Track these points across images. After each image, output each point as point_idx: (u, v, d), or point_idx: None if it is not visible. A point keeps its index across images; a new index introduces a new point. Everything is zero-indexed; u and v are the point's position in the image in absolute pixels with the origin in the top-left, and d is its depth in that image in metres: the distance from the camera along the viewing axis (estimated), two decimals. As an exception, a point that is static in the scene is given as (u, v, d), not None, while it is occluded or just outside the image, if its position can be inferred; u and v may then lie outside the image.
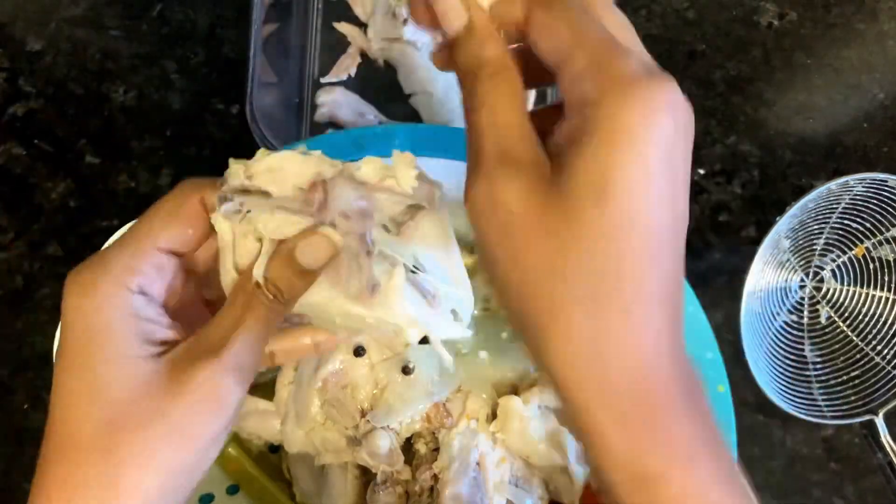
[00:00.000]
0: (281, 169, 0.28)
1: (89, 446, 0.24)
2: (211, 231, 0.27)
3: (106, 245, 0.27)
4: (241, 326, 0.25)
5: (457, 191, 0.42)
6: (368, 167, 0.28)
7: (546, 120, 0.24)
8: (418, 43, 0.56)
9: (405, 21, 0.55)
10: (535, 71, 0.25)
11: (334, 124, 0.57)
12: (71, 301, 0.25)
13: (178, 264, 0.27)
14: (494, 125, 0.23)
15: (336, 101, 0.57)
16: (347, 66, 0.59)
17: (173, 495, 0.24)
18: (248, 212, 0.27)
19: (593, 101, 0.21)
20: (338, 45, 0.59)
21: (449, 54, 0.26)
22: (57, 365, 0.25)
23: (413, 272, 0.28)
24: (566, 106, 0.23)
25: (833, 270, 0.56)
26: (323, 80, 0.58)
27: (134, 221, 0.27)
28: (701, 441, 0.22)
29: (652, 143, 0.21)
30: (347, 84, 0.59)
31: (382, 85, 0.58)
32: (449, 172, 0.40)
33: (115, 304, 0.25)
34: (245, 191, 0.27)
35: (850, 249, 0.55)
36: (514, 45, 0.25)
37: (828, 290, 0.56)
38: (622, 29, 0.24)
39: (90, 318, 0.25)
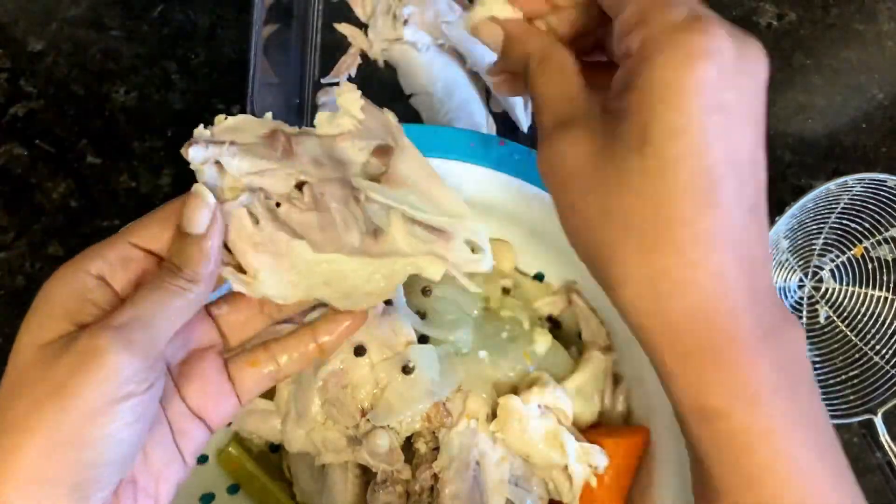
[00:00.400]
0: (241, 128, 0.28)
1: None
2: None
3: None
4: (134, 298, 0.25)
5: (462, 192, 0.42)
6: (320, 118, 0.29)
7: (607, 73, 0.25)
8: (419, 44, 0.56)
9: (405, 22, 0.55)
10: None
11: (334, 125, 0.58)
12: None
13: (155, 263, 0.27)
14: (548, 99, 0.26)
15: (336, 102, 0.57)
16: (348, 66, 0.59)
17: (57, 466, 0.23)
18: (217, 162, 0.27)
19: (636, 52, 0.22)
20: (338, 46, 0.60)
21: (509, 76, 0.29)
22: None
23: (412, 214, 0.28)
24: (617, 57, 0.24)
25: (832, 270, 0.56)
26: (323, 81, 0.58)
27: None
28: (771, 382, 0.22)
29: (688, 90, 0.21)
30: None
31: (382, 85, 0.58)
32: (450, 173, 0.40)
33: (65, 281, 0.26)
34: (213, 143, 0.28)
35: (849, 249, 0.55)
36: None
37: (827, 289, 0.56)
38: None
39: (43, 290, 0.26)
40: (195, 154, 0.27)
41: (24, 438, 0.23)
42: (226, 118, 0.28)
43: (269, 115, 0.29)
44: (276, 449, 0.45)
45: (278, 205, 0.28)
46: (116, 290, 0.26)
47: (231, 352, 0.31)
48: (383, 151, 0.29)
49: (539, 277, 0.46)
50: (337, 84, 0.58)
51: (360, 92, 0.30)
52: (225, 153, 0.27)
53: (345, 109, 0.29)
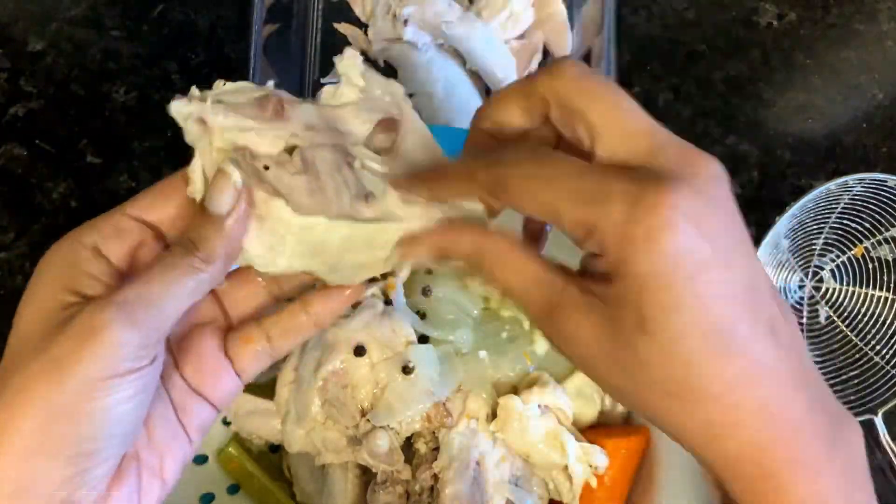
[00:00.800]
0: (238, 91, 0.28)
1: None
2: (191, 209, 0.27)
3: None
4: (145, 273, 0.25)
5: None
6: (325, 92, 0.28)
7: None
8: (419, 43, 0.56)
9: (405, 22, 0.55)
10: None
11: (334, 124, 0.58)
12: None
13: (151, 235, 0.27)
14: (518, 291, 0.25)
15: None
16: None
17: (54, 439, 0.23)
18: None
19: (602, 231, 0.22)
20: (338, 46, 0.60)
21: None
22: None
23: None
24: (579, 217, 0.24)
25: (832, 270, 0.56)
26: (323, 81, 0.58)
27: None
28: (832, 494, 0.23)
29: (665, 271, 0.22)
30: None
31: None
32: None
33: (62, 253, 0.26)
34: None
35: (850, 249, 0.55)
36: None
37: (827, 289, 0.56)
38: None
39: (40, 265, 0.26)
40: (177, 108, 0.26)
41: (21, 410, 0.23)
42: (224, 83, 0.28)
43: (270, 83, 0.28)
44: (276, 449, 0.45)
45: (267, 168, 0.27)
46: (111, 261, 0.26)
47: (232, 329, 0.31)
48: (389, 124, 0.28)
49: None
50: (337, 83, 0.58)
51: (361, 57, 0.29)
52: (208, 109, 0.26)
53: (346, 78, 0.29)
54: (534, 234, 0.31)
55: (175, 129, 0.26)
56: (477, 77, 0.58)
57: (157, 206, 0.27)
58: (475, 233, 0.27)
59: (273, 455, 0.45)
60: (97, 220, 0.27)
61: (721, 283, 0.22)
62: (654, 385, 0.23)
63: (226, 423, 0.44)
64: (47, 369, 0.23)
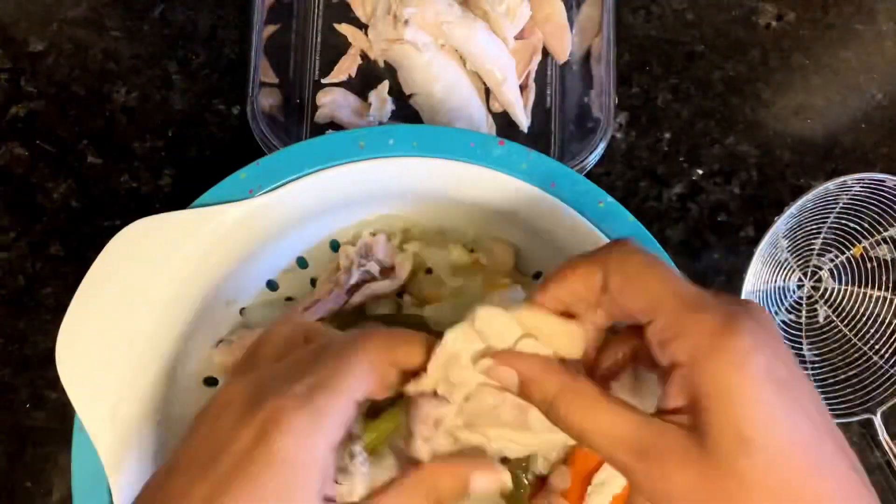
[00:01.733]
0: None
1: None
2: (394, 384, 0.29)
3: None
4: None
5: (455, 191, 0.42)
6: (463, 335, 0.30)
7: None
8: (419, 44, 0.56)
9: (406, 22, 0.55)
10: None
11: (334, 125, 0.58)
12: (287, 441, 0.24)
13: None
14: (608, 436, 0.26)
15: (336, 102, 0.57)
16: (347, 67, 0.59)
17: None
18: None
19: (686, 366, 0.24)
20: (338, 47, 0.60)
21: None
22: (235, 484, 0.24)
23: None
24: (662, 362, 0.25)
25: (831, 270, 0.56)
26: (324, 81, 0.59)
27: (320, 364, 0.27)
28: None
29: (757, 386, 0.23)
30: (348, 84, 0.59)
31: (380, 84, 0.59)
32: (450, 173, 0.40)
33: (316, 457, 0.25)
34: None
35: (848, 249, 0.56)
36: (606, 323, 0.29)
37: (826, 289, 0.56)
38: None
39: (296, 464, 0.25)
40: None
41: None
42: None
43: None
44: None
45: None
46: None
47: None
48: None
49: (538, 277, 0.46)
50: (339, 85, 0.58)
51: (504, 314, 0.30)
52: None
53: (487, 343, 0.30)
54: (605, 379, 0.31)
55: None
56: (477, 77, 0.58)
57: (374, 392, 0.28)
58: (561, 373, 0.28)
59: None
60: (340, 418, 0.26)
61: (803, 400, 0.24)
62: None
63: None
64: None
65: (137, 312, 0.38)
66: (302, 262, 0.46)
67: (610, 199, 0.39)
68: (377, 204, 0.45)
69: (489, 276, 0.44)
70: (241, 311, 0.45)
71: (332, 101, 0.57)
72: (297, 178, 0.40)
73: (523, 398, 0.29)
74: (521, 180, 0.40)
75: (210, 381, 0.43)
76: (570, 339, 0.29)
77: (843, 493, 0.24)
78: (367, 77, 0.59)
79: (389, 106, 0.58)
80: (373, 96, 0.58)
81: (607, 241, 0.39)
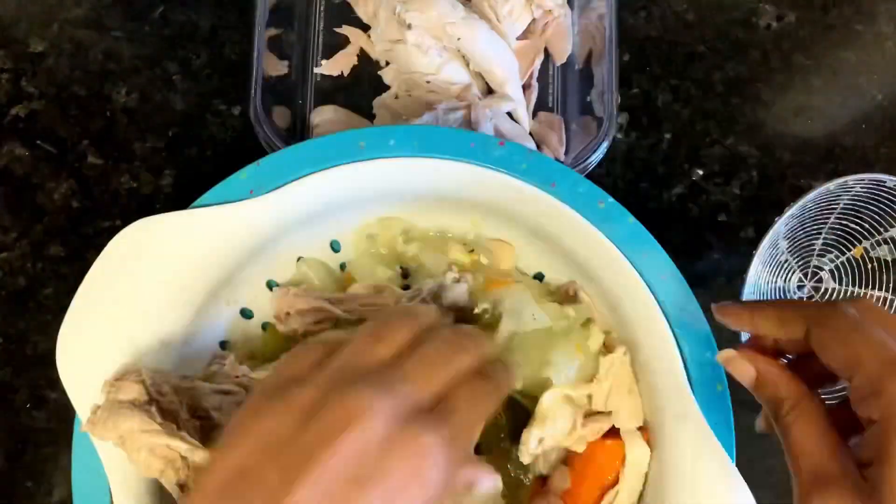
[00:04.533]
0: None
1: None
2: None
3: None
4: None
5: (455, 191, 0.42)
6: None
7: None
8: (422, 45, 0.56)
9: (409, 26, 0.55)
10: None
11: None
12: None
13: None
14: (805, 452, 0.28)
15: (330, 121, 0.57)
16: (342, 64, 0.59)
17: None
18: None
19: (879, 425, 0.26)
20: (340, 47, 0.60)
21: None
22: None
23: None
24: (860, 416, 0.27)
25: (831, 271, 0.56)
26: (317, 71, 0.59)
27: None
28: None
29: None
30: (353, 86, 0.59)
31: (385, 86, 0.59)
32: (450, 173, 0.40)
33: None
34: None
35: (849, 250, 0.56)
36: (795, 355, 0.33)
37: (826, 290, 0.56)
38: None
39: None
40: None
41: None
42: None
43: None
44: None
45: None
46: None
47: None
48: None
49: (539, 277, 0.46)
50: (339, 77, 0.58)
51: None
52: None
53: None
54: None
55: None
56: (480, 78, 0.58)
57: None
58: (798, 384, 0.31)
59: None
60: None
61: None
62: None
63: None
64: None
65: (137, 313, 0.38)
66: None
67: (610, 199, 0.39)
68: (377, 204, 0.45)
69: (489, 276, 0.44)
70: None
71: (326, 121, 0.57)
72: (298, 179, 0.40)
73: (755, 393, 0.32)
74: (521, 181, 0.40)
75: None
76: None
77: None
78: (369, 77, 0.59)
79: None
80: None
81: (608, 241, 0.39)
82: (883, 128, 0.60)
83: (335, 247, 0.46)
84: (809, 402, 0.30)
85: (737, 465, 0.35)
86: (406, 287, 0.45)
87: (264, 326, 0.46)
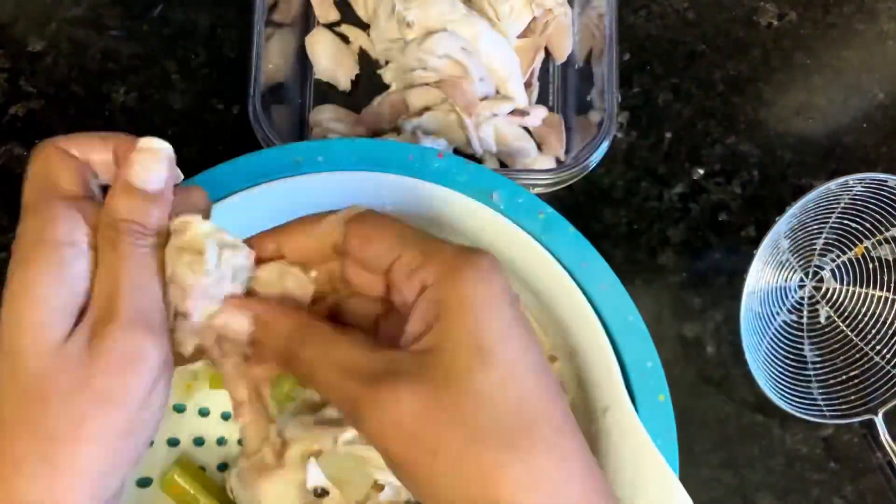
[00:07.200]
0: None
1: (13, 419, 0.23)
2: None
3: None
4: (121, 276, 0.25)
5: (395, 205, 0.41)
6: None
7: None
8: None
9: (409, 25, 0.55)
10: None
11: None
12: None
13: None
14: (330, 371, 0.25)
15: (328, 119, 0.57)
16: (340, 61, 0.59)
17: (117, 463, 0.24)
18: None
19: (433, 285, 0.25)
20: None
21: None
22: None
23: None
24: (407, 293, 0.25)
25: (832, 270, 0.56)
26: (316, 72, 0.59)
27: None
28: None
29: (495, 301, 0.24)
30: (352, 85, 0.59)
31: (384, 86, 0.58)
32: (389, 186, 0.40)
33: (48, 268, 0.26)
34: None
35: (850, 249, 0.55)
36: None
37: (827, 289, 0.56)
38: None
39: (22, 287, 0.25)
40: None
41: (80, 446, 0.23)
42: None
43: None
44: (224, 467, 0.44)
45: None
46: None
47: None
48: None
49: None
50: (332, 85, 0.58)
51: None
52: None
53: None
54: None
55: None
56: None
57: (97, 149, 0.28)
58: (301, 313, 0.27)
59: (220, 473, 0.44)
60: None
61: (529, 324, 0.25)
62: (488, 427, 0.22)
63: (172, 443, 0.43)
64: (96, 401, 0.23)
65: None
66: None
67: (550, 210, 0.39)
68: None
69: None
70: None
71: (324, 119, 0.57)
72: (230, 196, 0.39)
73: (256, 344, 0.27)
74: (460, 193, 0.39)
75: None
76: (298, 284, 0.28)
77: (569, 425, 0.24)
78: (369, 77, 0.59)
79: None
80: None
81: (546, 252, 0.39)
82: (884, 127, 0.60)
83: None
84: (319, 322, 0.26)
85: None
86: None
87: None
